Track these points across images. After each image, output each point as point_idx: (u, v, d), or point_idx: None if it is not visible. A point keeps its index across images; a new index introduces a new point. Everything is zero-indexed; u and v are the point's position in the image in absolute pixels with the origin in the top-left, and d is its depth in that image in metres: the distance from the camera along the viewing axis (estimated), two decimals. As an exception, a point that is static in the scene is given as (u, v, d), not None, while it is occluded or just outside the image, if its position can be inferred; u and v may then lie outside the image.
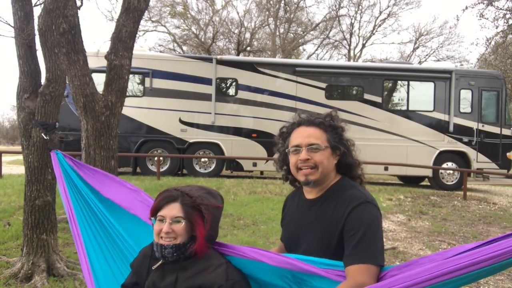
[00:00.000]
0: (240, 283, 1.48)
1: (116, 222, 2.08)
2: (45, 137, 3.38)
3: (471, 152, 10.89)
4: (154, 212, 1.55)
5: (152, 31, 23.18)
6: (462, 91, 11.09)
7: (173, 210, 1.51)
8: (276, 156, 1.77)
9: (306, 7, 26.52)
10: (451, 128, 10.93)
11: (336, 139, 1.58)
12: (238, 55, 21.97)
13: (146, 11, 8.56)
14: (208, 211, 1.54)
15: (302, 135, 1.56)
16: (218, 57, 10.88)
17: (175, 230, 1.49)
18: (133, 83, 10.55)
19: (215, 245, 1.62)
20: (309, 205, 1.59)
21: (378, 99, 11.00)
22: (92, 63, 5.54)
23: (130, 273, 1.70)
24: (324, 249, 1.49)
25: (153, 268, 1.56)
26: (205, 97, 10.60)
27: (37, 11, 8.56)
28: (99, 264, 1.97)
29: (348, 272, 1.36)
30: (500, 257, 1.12)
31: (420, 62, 26.18)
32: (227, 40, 24.60)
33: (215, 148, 10.69)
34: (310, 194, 1.62)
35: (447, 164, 10.92)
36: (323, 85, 10.90)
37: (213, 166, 10.85)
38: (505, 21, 12.90)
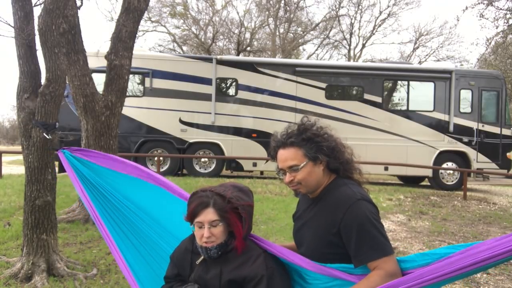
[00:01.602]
0: (278, 270, 1.59)
1: (137, 209, 2.05)
2: (47, 137, 3.39)
3: (471, 152, 10.89)
4: (191, 218, 1.62)
5: (152, 31, 23.21)
6: (462, 91, 11.09)
7: (209, 215, 1.58)
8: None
9: (306, 7, 26.63)
10: (451, 128, 10.93)
11: (313, 150, 1.60)
12: (238, 55, 21.96)
13: (146, 11, 8.56)
14: (244, 210, 1.62)
15: (281, 160, 1.67)
16: (218, 57, 10.88)
17: (214, 233, 1.58)
18: (133, 83, 10.55)
19: (252, 237, 1.71)
20: (310, 203, 1.68)
21: (378, 99, 11.00)
22: (92, 63, 5.55)
23: (170, 265, 1.77)
24: (319, 246, 1.56)
25: (197, 263, 1.65)
26: (205, 97, 10.60)
27: (37, 11, 8.56)
28: (133, 259, 1.96)
29: (374, 269, 1.43)
30: None
31: (420, 62, 26.18)
32: (227, 40, 24.63)
33: (215, 148, 10.69)
34: (311, 193, 1.69)
35: (447, 164, 10.92)
36: (323, 85, 10.90)
37: (213, 166, 10.85)
38: (505, 21, 12.90)
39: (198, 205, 1.60)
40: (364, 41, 27.78)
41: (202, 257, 1.64)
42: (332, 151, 1.61)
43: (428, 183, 11.51)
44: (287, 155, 1.64)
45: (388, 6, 26.95)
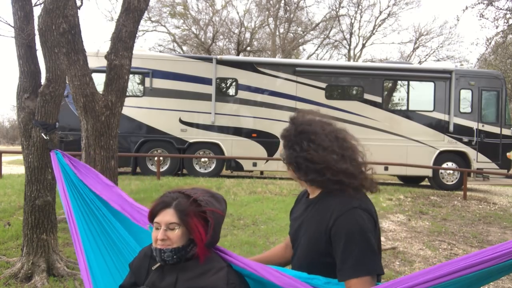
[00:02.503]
0: (239, 286, 1.47)
1: (115, 221, 2.07)
2: (45, 137, 3.38)
3: (471, 152, 10.90)
4: (151, 218, 1.52)
5: (152, 31, 23.21)
6: (462, 91, 11.10)
7: (167, 216, 1.47)
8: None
9: (306, 7, 26.60)
10: (451, 128, 10.93)
11: (289, 156, 1.59)
12: (238, 55, 21.97)
13: (146, 11, 8.57)
14: (212, 216, 1.50)
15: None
16: (218, 57, 10.88)
17: (170, 237, 1.46)
18: (133, 83, 10.55)
19: (217, 249, 1.59)
20: (307, 204, 1.61)
21: (378, 99, 11.00)
22: (92, 63, 5.54)
23: (129, 273, 1.67)
24: (311, 253, 1.49)
25: (152, 269, 1.54)
26: (205, 97, 10.60)
27: (37, 11, 8.56)
28: (97, 264, 1.96)
29: (348, 284, 1.35)
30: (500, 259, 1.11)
31: (420, 62, 26.18)
32: (227, 40, 24.64)
33: (215, 148, 10.69)
34: (311, 194, 1.63)
35: (447, 164, 10.92)
36: (323, 85, 10.91)
37: (213, 166, 10.85)
38: (505, 21, 12.90)
39: (158, 204, 1.49)
40: (364, 41, 27.80)
41: (159, 263, 1.51)
42: (308, 163, 1.51)
43: (428, 183, 11.51)
44: (280, 148, 1.70)
45: (388, 6, 26.97)
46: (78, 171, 2.26)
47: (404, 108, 11.25)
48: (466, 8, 12.89)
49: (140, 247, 1.93)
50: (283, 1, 23.78)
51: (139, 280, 1.59)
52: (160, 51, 21.78)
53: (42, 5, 3.48)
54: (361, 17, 28.14)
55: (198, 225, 1.47)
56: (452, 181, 10.96)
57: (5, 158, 14.01)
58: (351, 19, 26.81)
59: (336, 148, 1.51)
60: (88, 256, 1.93)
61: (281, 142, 1.69)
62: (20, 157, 10.82)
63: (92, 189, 2.15)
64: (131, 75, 5.90)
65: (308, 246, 1.50)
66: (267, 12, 24.43)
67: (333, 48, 27.93)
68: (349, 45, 27.54)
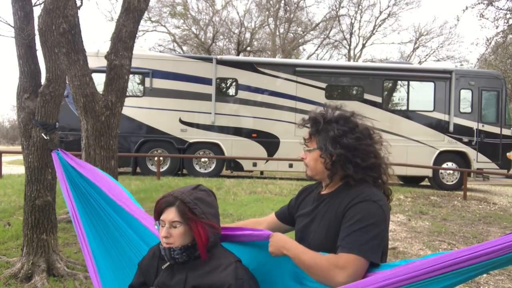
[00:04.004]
0: (248, 282, 1.50)
1: (119, 219, 2.07)
2: (45, 137, 3.38)
3: (471, 152, 10.90)
4: (157, 216, 1.58)
5: (152, 31, 23.21)
6: (462, 91, 11.10)
7: (170, 214, 1.52)
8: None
9: (306, 7, 26.61)
10: (451, 128, 10.93)
11: (325, 142, 1.55)
12: (238, 55, 21.97)
13: (146, 11, 8.57)
14: (203, 215, 1.54)
15: (303, 135, 1.67)
16: (218, 57, 10.88)
17: (172, 234, 1.51)
18: (133, 83, 10.56)
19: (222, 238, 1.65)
20: (321, 200, 1.62)
21: (378, 99, 11.01)
22: (92, 63, 5.54)
23: (137, 273, 1.70)
24: (325, 243, 1.50)
25: (162, 268, 1.58)
26: (205, 97, 10.60)
27: (37, 11, 8.56)
28: (104, 264, 1.96)
29: (337, 255, 1.38)
30: (494, 254, 1.11)
31: (420, 62, 26.18)
32: (227, 40, 24.63)
33: (215, 148, 10.69)
34: (325, 189, 1.65)
35: (447, 164, 10.93)
36: (323, 85, 10.91)
37: (213, 166, 10.85)
38: (505, 21, 12.90)
39: (163, 203, 1.55)
40: (364, 41, 27.79)
41: (168, 262, 1.56)
42: (353, 153, 1.51)
43: (428, 183, 11.51)
44: (307, 132, 1.63)
45: (388, 6, 26.96)
46: (82, 169, 2.24)
47: (404, 108, 11.25)
48: (466, 8, 12.90)
49: (144, 245, 1.96)
50: (283, 1, 23.78)
51: (148, 279, 1.63)
52: (160, 51, 21.79)
53: (42, 5, 3.48)
54: (361, 17, 28.17)
55: (199, 226, 1.52)
56: (452, 181, 10.96)
57: (5, 158, 14.02)
58: (351, 19, 26.83)
59: (372, 143, 1.59)
60: (95, 256, 1.93)
61: (316, 129, 1.59)
62: (20, 157, 10.82)
63: (99, 185, 2.13)
64: (131, 75, 5.90)
65: (325, 235, 1.51)
66: (267, 12, 24.43)
67: (333, 48, 27.95)
68: (349, 45, 27.55)
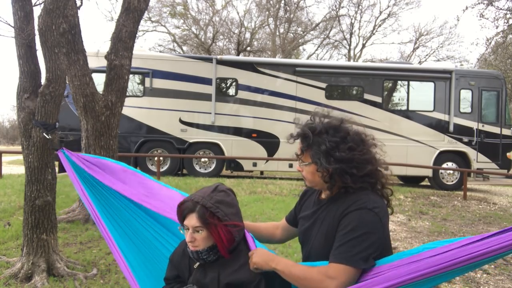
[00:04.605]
0: (272, 275, 1.57)
1: (139, 211, 2.06)
2: (47, 137, 3.38)
3: (471, 152, 10.90)
4: (181, 221, 1.63)
5: (152, 31, 23.22)
6: (462, 91, 11.10)
7: (192, 220, 1.57)
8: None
9: (306, 7, 26.61)
10: (451, 128, 10.93)
11: (319, 156, 1.53)
12: (238, 55, 21.97)
13: (146, 11, 8.57)
14: (226, 217, 1.58)
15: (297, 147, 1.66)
16: (218, 57, 10.88)
17: (197, 238, 1.58)
18: (133, 83, 10.55)
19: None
20: (321, 204, 1.63)
21: (378, 99, 11.01)
22: (92, 63, 5.54)
23: (170, 266, 1.76)
24: (325, 248, 1.50)
25: (194, 267, 1.65)
26: (205, 97, 10.60)
27: (37, 11, 8.56)
28: (134, 259, 1.94)
29: (327, 265, 1.42)
30: (495, 252, 1.11)
31: (420, 62, 26.19)
32: (227, 40, 24.64)
33: (215, 148, 10.69)
34: (324, 194, 1.65)
35: (447, 164, 10.92)
36: (323, 85, 10.91)
37: (213, 166, 10.85)
38: (505, 21, 12.90)
39: (185, 209, 1.60)
40: (364, 41, 27.80)
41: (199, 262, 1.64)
42: (348, 164, 1.50)
43: (428, 183, 11.51)
44: (298, 147, 1.62)
45: (388, 6, 26.99)
46: (89, 166, 2.16)
47: (404, 108, 11.25)
48: (466, 8, 12.89)
49: (171, 234, 1.99)
50: (283, 1, 23.78)
51: (182, 274, 1.71)
52: (160, 51, 21.78)
53: (42, 5, 3.48)
54: (361, 17, 28.24)
55: (219, 230, 1.57)
56: (452, 181, 10.96)
57: (5, 158, 14.01)
58: (351, 19, 26.84)
59: (366, 149, 1.58)
60: (124, 252, 1.90)
61: (307, 144, 1.57)
62: (20, 157, 10.82)
63: (108, 184, 2.07)
64: (131, 75, 5.90)
65: (324, 241, 1.52)
66: (267, 12, 24.44)
67: (333, 48, 27.96)
68: (349, 45, 27.55)
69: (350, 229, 1.41)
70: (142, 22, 5.60)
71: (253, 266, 1.54)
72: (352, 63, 19.90)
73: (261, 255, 1.55)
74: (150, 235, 2.04)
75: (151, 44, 39.84)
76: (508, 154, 10.96)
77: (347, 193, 1.52)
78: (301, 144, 1.59)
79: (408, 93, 11.19)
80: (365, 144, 1.58)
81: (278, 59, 19.34)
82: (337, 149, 1.51)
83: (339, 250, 1.40)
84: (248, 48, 23.80)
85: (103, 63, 4.90)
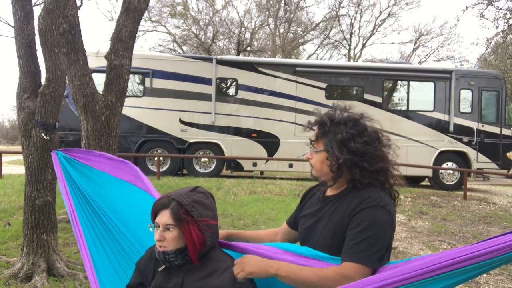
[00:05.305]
0: (247, 286, 1.46)
1: (118, 220, 2.08)
2: (45, 137, 3.38)
3: (471, 152, 10.90)
4: (153, 217, 1.54)
5: (152, 31, 23.21)
6: (462, 91, 11.10)
7: (164, 217, 1.48)
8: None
9: (306, 7, 26.62)
10: (451, 128, 10.93)
11: (332, 144, 1.52)
12: (238, 55, 21.97)
13: (146, 11, 8.57)
14: (201, 217, 1.50)
15: (311, 134, 1.64)
16: (218, 57, 10.88)
17: (166, 238, 1.47)
18: (133, 83, 10.56)
19: (221, 244, 1.62)
20: (327, 201, 1.61)
21: (378, 99, 11.01)
22: (92, 63, 5.54)
23: (135, 273, 1.68)
24: (331, 245, 1.49)
25: (159, 270, 1.55)
26: (205, 97, 10.60)
27: (37, 11, 8.56)
28: (101, 263, 1.96)
29: (342, 265, 1.39)
30: (495, 253, 1.11)
31: (420, 62, 26.18)
32: (227, 40, 24.63)
33: (215, 148, 10.69)
34: (330, 191, 1.63)
35: (447, 164, 10.93)
36: (323, 85, 10.91)
37: (213, 166, 10.85)
38: (505, 21, 12.90)
39: (158, 205, 1.51)
40: (364, 41, 27.80)
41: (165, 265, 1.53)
42: (361, 157, 1.49)
43: (428, 183, 11.51)
44: (314, 133, 1.60)
45: (388, 6, 26.97)
46: (85, 160, 2.24)
47: (404, 108, 11.25)
48: (466, 8, 12.90)
49: (141, 245, 1.96)
50: (283, 1, 23.78)
51: (146, 280, 1.61)
52: (160, 51, 21.78)
53: (42, 5, 3.48)
54: (361, 17, 28.20)
55: (192, 230, 1.48)
56: (452, 181, 10.96)
57: (5, 158, 14.01)
58: (351, 19, 26.84)
59: (381, 147, 1.58)
60: (92, 255, 1.92)
61: (323, 131, 1.56)
62: (20, 157, 10.81)
63: (108, 172, 2.14)
64: (131, 75, 5.90)
65: (330, 236, 1.50)
66: (267, 12, 24.43)
67: (333, 48, 27.96)
68: (349, 45, 27.55)
69: (364, 227, 1.39)
70: (142, 22, 5.60)
71: (246, 276, 1.42)
72: (352, 63, 19.90)
73: (255, 263, 1.43)
74: (124, 242, 2.04)
75: (151, 44, 39.87)
76: (508, 154, 10.97)
77: (355, 188, 1.51)
78: (317, 131, 1.58)
79: (408, 93, 11.20)
80: (380, 142, 1.58)
81: (278, 59, 19.34)
82: (352, 140, 1.50)
83: (354, 249, 1.38)
84: (248, 48, 23.80)
85: (103, 63, 4.89)
